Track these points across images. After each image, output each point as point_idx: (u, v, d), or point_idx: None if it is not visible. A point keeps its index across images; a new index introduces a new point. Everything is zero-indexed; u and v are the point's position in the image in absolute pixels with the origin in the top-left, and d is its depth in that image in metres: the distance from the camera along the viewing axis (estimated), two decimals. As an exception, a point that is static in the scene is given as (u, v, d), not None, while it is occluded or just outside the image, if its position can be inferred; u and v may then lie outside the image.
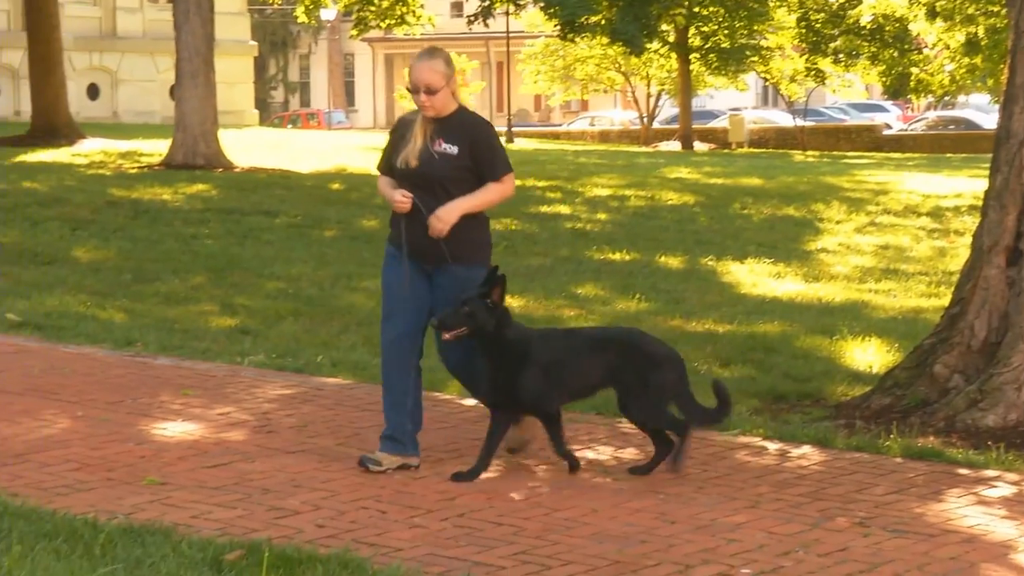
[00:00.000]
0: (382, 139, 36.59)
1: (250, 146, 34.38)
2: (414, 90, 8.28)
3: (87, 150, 32.70)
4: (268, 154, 32.67)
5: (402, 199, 8.27)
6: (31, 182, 24.36)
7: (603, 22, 45.77)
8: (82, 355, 11.43)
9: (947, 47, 47.20)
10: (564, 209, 24.68)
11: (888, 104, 76.46)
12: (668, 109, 70.29)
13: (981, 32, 43.47)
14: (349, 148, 37.06)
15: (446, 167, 8.27)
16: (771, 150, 56.57)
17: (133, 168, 28.59)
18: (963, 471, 8.57)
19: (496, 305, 8.13)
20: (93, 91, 56.00)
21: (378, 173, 8.63)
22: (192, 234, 20.00)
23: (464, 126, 8.35)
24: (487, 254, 8.50)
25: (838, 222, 23.97)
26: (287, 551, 6.72)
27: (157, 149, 31.13)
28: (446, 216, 8.23)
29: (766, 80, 64.40)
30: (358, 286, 16.35)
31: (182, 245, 19.10)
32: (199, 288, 15.96)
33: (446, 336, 8.18)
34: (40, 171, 26.92)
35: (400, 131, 8.48)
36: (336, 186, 26.54)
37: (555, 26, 44.55)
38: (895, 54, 55.08)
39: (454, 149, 8.27)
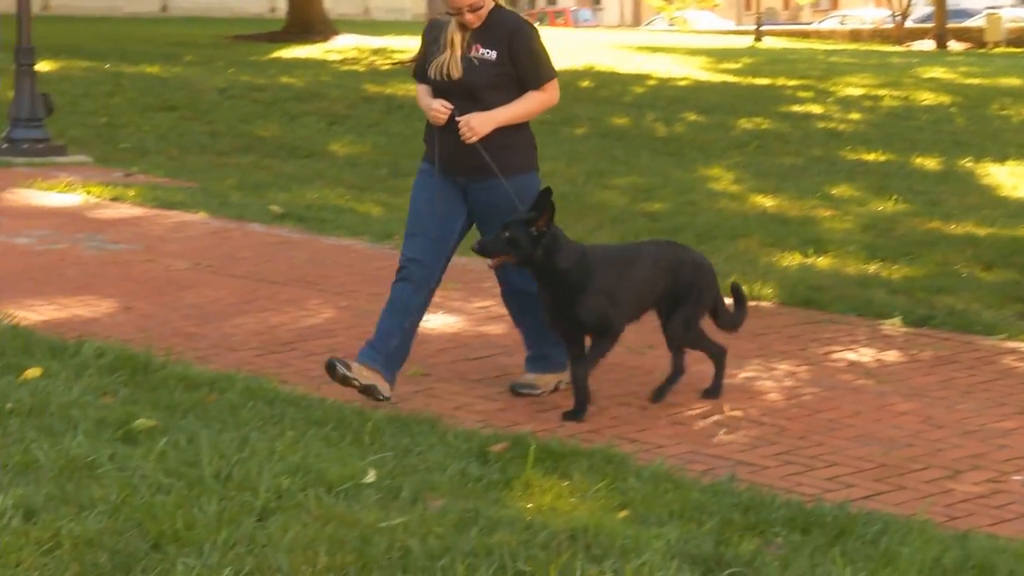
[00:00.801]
0: (630, 37, 36.38)
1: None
2: (456, 12, 7.53)
3: (340, 46, 33.15)
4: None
5: (440, 108, 7.51)
6: (288, 77, 24.77)
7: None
8: (342, 247, 11.62)
9: None
10: (816, 109, 24.31)
11: None
12: (921, 8, 68.62)
13: None
14: (596, 46, 36.93)
15: (485, 74, 7.53)
16: (1029, 50, 54.96)
17: (385, 65, 28.89)
18: None
19: (542, 233, 7.34)
20: (345, -12, 56.64)
21: (416, 81, 7.87)
22: (450, 129, 20.13)
23: (503, 27, 7.58)
24: (529, 161, 7.73)
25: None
26: (551, 444, 6.77)
27: (408, 46, 31.39)
28: (479, 124, 7.46)
29: (1025, -23, 62.41)
30: (610, 183, 16.33)
31: (435, 141, 19.27)
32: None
33: (489, 264, 7.58)
34: (296, 67, 27.35)
35: (433, 34, 7.72)
36: (585, 84, 26.48)
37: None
38: None
39: (492, 54, 7.54)
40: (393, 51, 31.64)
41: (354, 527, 5.60)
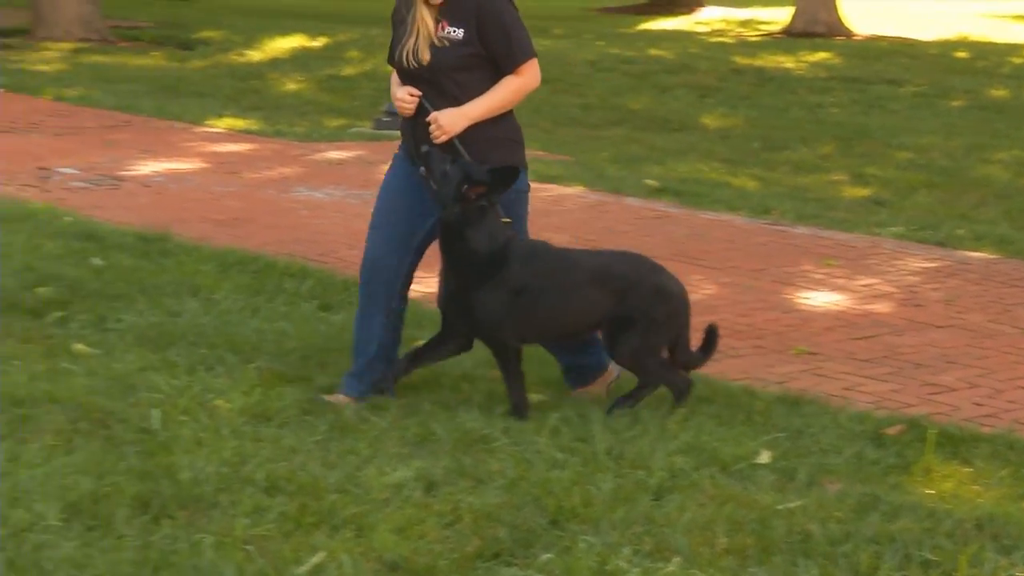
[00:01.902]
0: (1001, 6, 34.84)
1: (868, 14, 33.75)
2: None
3: (707, 18, 33.01)
4: (887, 22, 32.00)
5: (406, 97, 6.68)
6: (657, 49, 24.74)
7: None
8: (721, 222, 11.53)
9: None
10: None
11: None
12: None
13: None
14: (970, 16, 35.85)
15: (452, 55, 6.64)
16: None
17: (754, 36, 28.65)
18: None
19: (466, 198, 6.51)
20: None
21: (390, 68, 7.00)
22: (817, 103, 19.86)
23: (471, 0, 6.68)
24: (511, 157, 6.77)
25: None
26: (950, 429, 6.56)
27: (775, 17, 31.06)
28: (448, 123, 6.61)
29: None
30: (992, 158, 15.84)
31: (808, 114, 19.01)
32: (827, 157, 15.86)
33: (420, 171, 6.67)
34: (664, 39, 27.33)
35: (399, 15, 6.81)
36: (961, 54, 25.73)
37: None
38: None
39: (459, 32, 6.63)
40: (760, 22, 31.35)
41: (752, 509, 5.54)
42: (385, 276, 6.83)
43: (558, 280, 6.70)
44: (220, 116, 16.32)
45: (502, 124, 6.79)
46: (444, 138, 6.60)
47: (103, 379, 6.92)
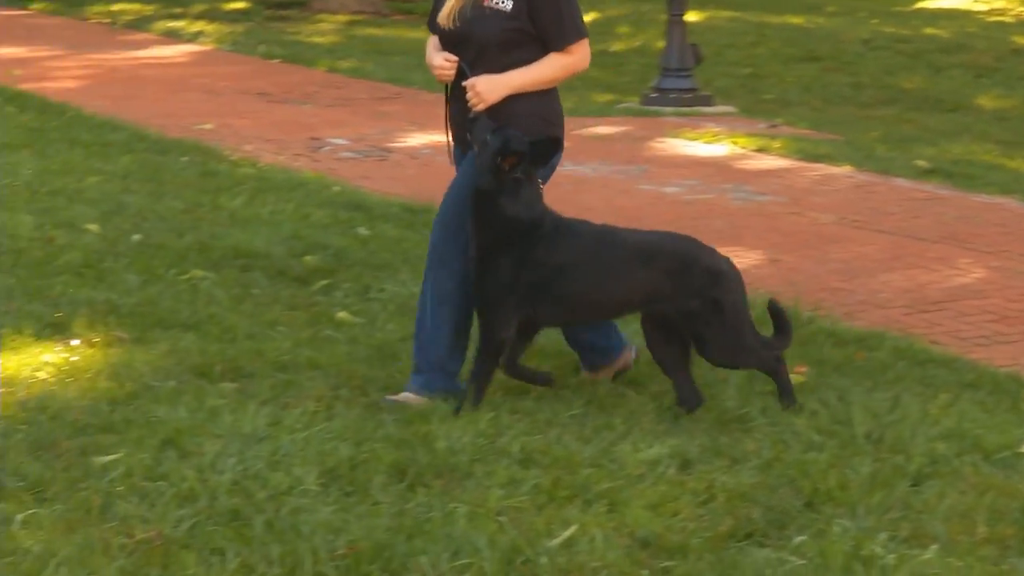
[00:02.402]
0: None
1: None
2: None
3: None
4: None
5: (443, 63, 6.37)
6: (933, 28, 24.19)
7: None
8: (993, 205, 11.21)
9: None
10: None
11: None
12: None
13: None
14: None
15: (496, 27, 6.28)
16: None
17: (1035, 15, 27.81)
18: None
19: (499, 168, 6.16)
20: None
21: (428, 33, 6.68)
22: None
23: None
24: (550, 134, 6.37)
25: None
26: None
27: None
28: (487, 89, 6.26)
29: None
30: None
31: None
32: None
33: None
34: (940, 17, 26.68)
35: None
36: None
37: None
38: None
39: (507, 3, 6.26)
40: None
41: (1014, 498, 5.39)
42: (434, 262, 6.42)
43: (595, 257, 6.28)
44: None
45: (544, 103, 6.40)
46: (482, 106, 6.26)
47: (364, 347, 7.04)
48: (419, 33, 22.37)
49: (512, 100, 6.27)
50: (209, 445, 5.66)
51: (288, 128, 13.60)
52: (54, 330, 7.06)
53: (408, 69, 17.89)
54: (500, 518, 5.12)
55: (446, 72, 6.36)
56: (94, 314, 7.32)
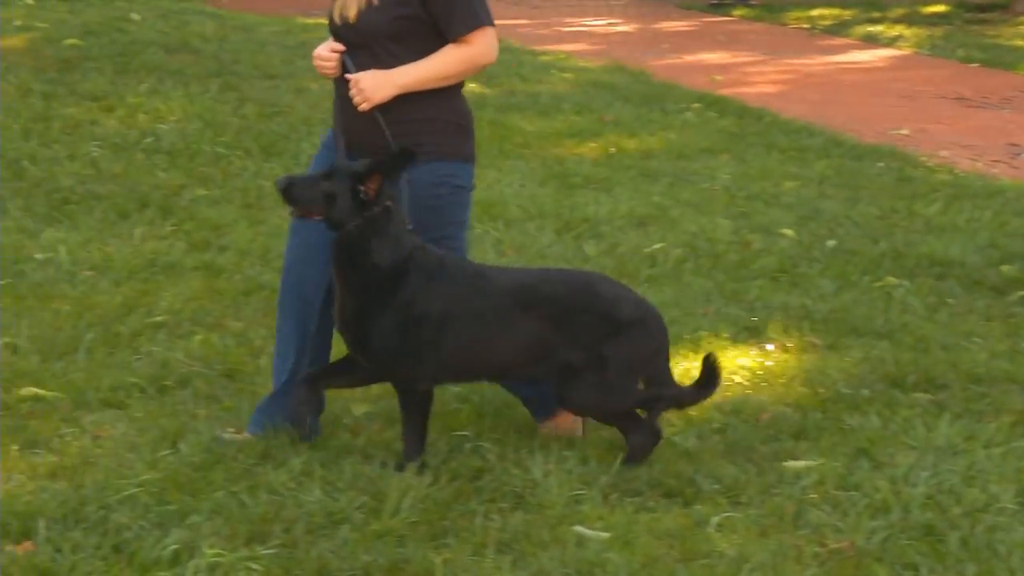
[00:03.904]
0: None
1: None
2: None
3: None
4: None
5: (324, 54, 5.59)
6: None
7: None
8: None
9: None
10: None
11: None
12: None
13: None
14: None
15: (383, 17, 5.50)
16: None
17: None
18: None
19: (368, 200, 5.30)
20: None
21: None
22: None
23: None
24: (450, 144, 5.60)
25: None
26: None
27: None
28: (372, 86, 5.47)
29: None
30: None
31: None
32: None
33: (289, 212, 5.49)
34: None
35: None
36: None
37: None
38: None
39: None
40: None
41: None
42: (297, 294, 5.74)
43: (474, 304, 5.43)
44: None
45: (443, 103, 5.62)
46: (366, 106, 5.49)
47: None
48: None
49: (412, 104, 5.54)
50: (902, 457, 5.62)
51: (985, 134, 13.29)
52: (749, 334, 7.19)
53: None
54: None
55: (325, 66, 5.62)
56: (788, 319, 7.40)
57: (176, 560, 4.68)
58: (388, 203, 5.34)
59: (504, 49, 16.06)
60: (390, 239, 5.34)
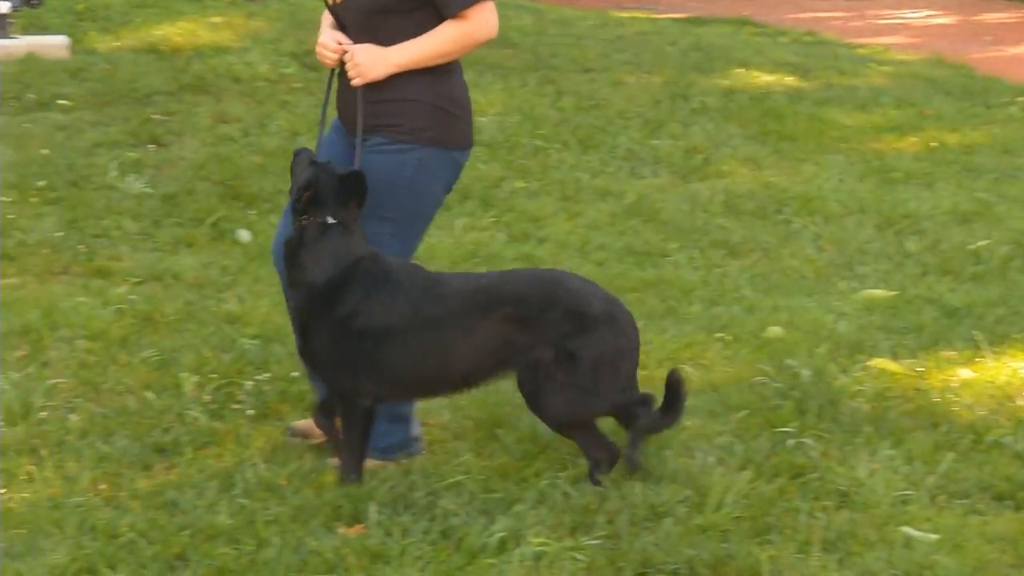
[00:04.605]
0: None
1: None
2: None
3: None
4: None
5: (328, 44, 5.38)
6: None
7: None
8: None
9: None
10: None
11: None
12: None
13: None
14: None
15: None
16: None
17: None
18: None
19: (300, 206, 5.16)
20: None
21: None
22: None
23: None
24: (435, 128, 5.30)
25: None
26: None
27: None
28: (367, 62, 5.24)
29: None
30: None
31: None
32: None
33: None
34: None
35: None
36: None
37: None
38: None
39: None
40: None
41: None
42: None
43: (422, 315, 5.14)
44: None
45: (428, 86, 5.32)
46: (359, 81, 5.27)
47: None
48: None
49: (399, 83, 5.30)
50: None
51: None
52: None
53: None
54: None
55: (328, 54, 5.41)
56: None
57: (502, 548, 4.74)
58: (328, 219, 5.18)
59: (819, 42, 15.93)
60: (324, 255, 5.17)
